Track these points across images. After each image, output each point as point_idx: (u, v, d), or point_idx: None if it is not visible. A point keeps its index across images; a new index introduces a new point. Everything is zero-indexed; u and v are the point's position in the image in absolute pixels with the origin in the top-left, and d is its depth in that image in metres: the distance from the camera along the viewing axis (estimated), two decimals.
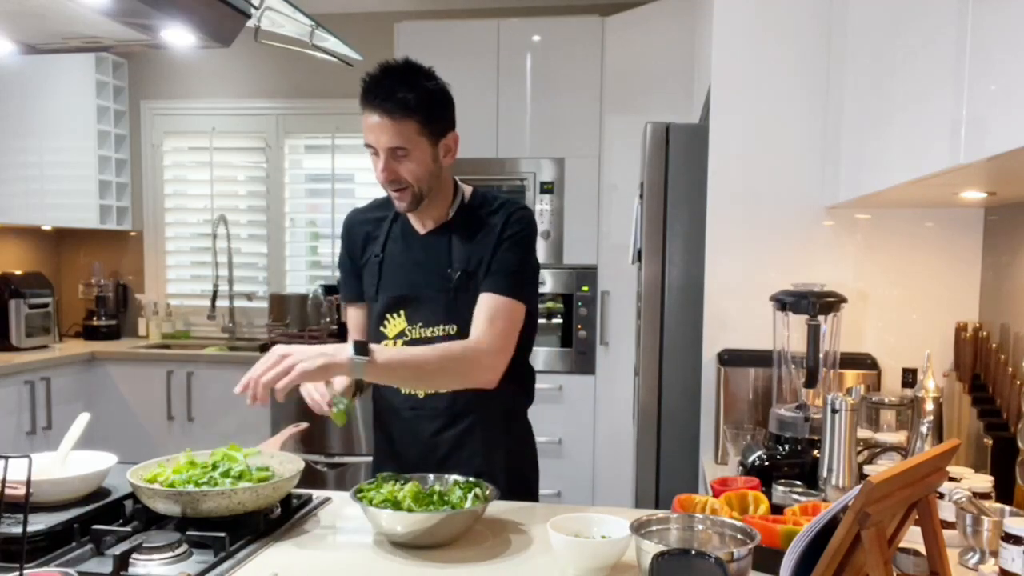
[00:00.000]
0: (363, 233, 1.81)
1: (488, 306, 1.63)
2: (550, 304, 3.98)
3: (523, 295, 1.67)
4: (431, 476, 1.54)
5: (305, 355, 1.43)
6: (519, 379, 1.76)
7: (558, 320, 3.97)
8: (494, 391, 1.64)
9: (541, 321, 3.94)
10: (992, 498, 1.41)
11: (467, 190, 1.77)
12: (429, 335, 1.69)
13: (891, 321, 2.17)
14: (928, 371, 1.62)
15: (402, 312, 1.72)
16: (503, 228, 1.68)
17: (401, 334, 1.72)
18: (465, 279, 1.68)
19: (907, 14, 1.46)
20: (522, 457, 1.83)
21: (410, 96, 1.58)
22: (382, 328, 1.74)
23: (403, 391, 1.73)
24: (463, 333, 1.64)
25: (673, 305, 2.53)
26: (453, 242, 1.71)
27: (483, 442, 1.73)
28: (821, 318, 1.76)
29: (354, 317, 1.85)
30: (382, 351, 1.51)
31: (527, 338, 1.73)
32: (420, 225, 1.75)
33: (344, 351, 1.46)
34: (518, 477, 1.78)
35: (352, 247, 1.82)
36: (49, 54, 1.87)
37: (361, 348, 1.46)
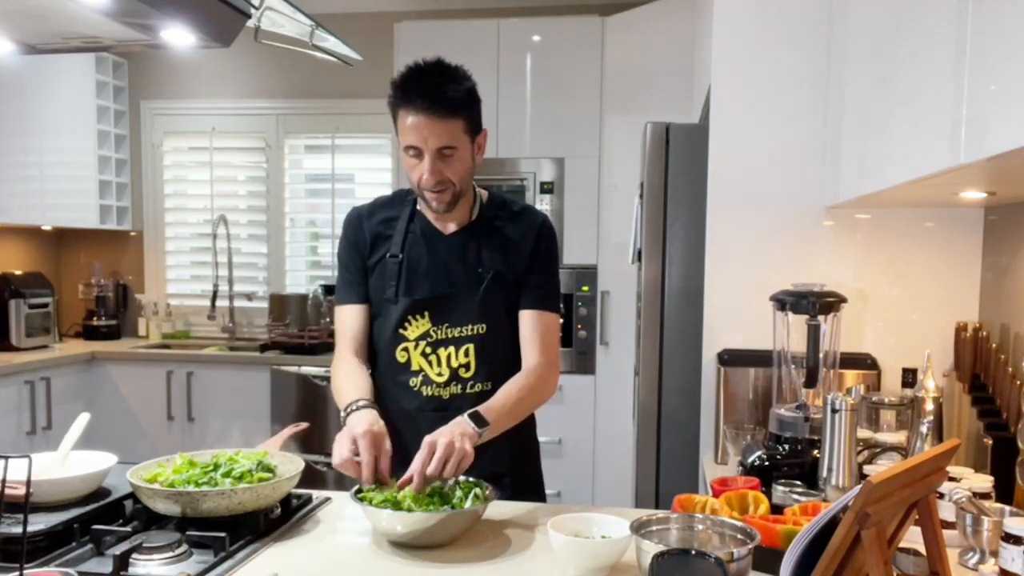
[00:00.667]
0: (374, 232, 1.75)
1: (537, 325, 1.71)
2: None
3: (559, 307, 1.76)
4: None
5: (459, 441, 1.44)
6: None
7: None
8: None
9: None
10: (992, 498, 1.41)
11: (483, 192, 1.78)
12: (457, 335, 1.69)
13: (891, 321, 2.17)
14: (928, 371, 1.62)
15: (426, 313, 1.69)
16: (537, 240, 1.73)
17: (425, 335, 1.69)
18: (495, 280, 1.69)
19: (907, 14, 1.46)
20: (536, 454, 1.85)
21: (457, 94, 1.59)
22: (402, 331, 1.70)
23: (425, 392, 1.69)
24: (491, 331, 1.68)
25: (673, 305, 2.53)
26: (482, 243, 1.71)
27: (503, 442, 1.66)
28: (821, 318, 1.76)
29: (351, 319, 1.75)
30: (488, 413, 1.54)
31: None
32: (443, 226, 1.73)
33: (468, 426, 1.49)
34: (532, 472, 1.83)
35: (360, 245, 1.75)
36: (49, 54, 1.87)
37: (479, 419, 1.52)
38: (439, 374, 1.69)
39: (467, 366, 1.69)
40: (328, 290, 4.33)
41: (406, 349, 1.70)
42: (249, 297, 4.68)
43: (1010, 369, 1.71)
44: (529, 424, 1.81)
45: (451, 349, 1.68)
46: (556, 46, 3.94)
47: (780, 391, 1.86)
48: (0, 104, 3.84)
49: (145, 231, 4.79)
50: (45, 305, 4.16)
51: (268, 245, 4.71)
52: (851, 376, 2.06)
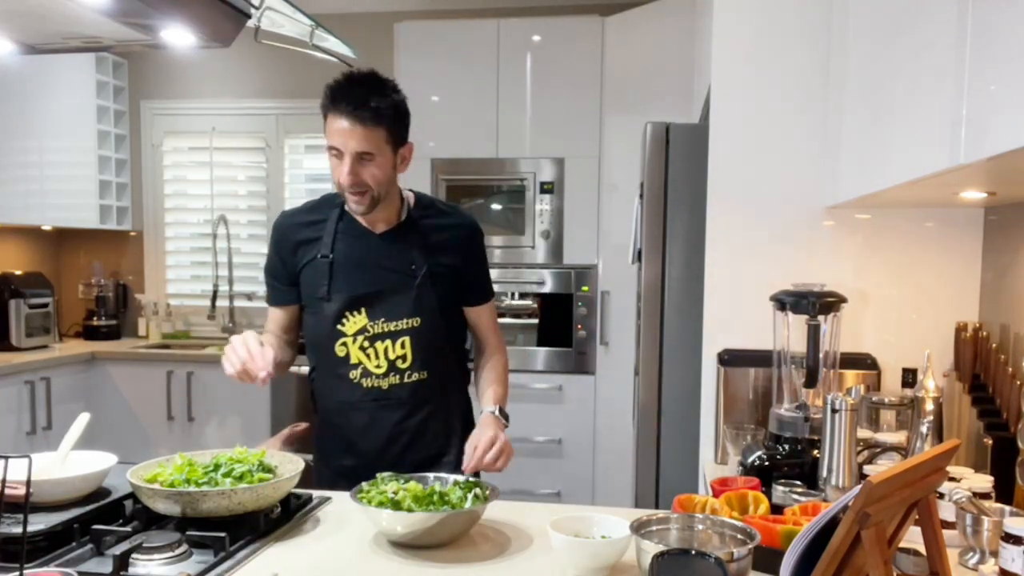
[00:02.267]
0: (299, 236, 1.84)
1: (489, 315, 1.95)
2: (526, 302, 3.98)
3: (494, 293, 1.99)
4: (431, 476, 1.55)
5: (501, 435, 1.72)
6: (464, 362, 1.97)
7: (534, 319, 3.97)
8: (450, 375, 1.88)
9: (537, 320, 3.96)
10: (992, 498, 1.41)
11: (410, 195, 1.88)
12: (392, 328, 1.79)
13: (891, 321, 2.17)
14: (928, 371, 1.62)
15: (363, 309, 1.78)
16: (471, 240, 1.89)
17: (363, 330, 1.78)
18: (427, 276, 1.80)
19: (907, 14, 1.46)
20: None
21: (382, 105, 1.69)
22: (339, 326, 1.79)
23: (365, 384, 1.79)
24: (425, 323, 1.80)
25: (673, 305, 2.53)
26: (412, 242, 1.81)
27: (443, 425, 1.86)
28: (821, 318, 1.76)
29: (277, 318, 1.90)
30: (500, 402, 1.86)
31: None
32: (373, 226, 1.82)
33: (500, 421, 1.80)
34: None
35: (284, 250, 1.86)
36: (49, 54, 1.87)
37: (504, 414, 1.83)
38: (377, 366, 1.79)
39: (404, 357, 1.79)
40: None
41: (344, 344, 1.79)
42: (249, 297, 4.68)
43: (1010, 369, 1.71)
44: (469, 402, 1.97)
45: (388, 342, 1.78)
46: (556, 46, 3.94)
47: (780, 391, 1.86)
48: (0, 104, 3.83)
49: (145, 231, 4.79)
50: (45, 305, 4.16)
51: (268, 245, 4.70)
52: (851, 376, 2.05)
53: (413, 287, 1.79)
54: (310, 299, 1.83)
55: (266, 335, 1.85)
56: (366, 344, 1.78)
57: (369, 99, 1.67)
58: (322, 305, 1.80)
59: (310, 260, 1.82)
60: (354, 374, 1.79)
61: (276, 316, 1.91)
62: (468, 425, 1.91)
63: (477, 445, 1.67)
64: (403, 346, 1.79)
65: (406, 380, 1.80)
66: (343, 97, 1.67)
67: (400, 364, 1.79)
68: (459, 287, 1.87)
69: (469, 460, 1.66)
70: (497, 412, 1.81)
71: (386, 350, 1.78)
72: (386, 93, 1.71)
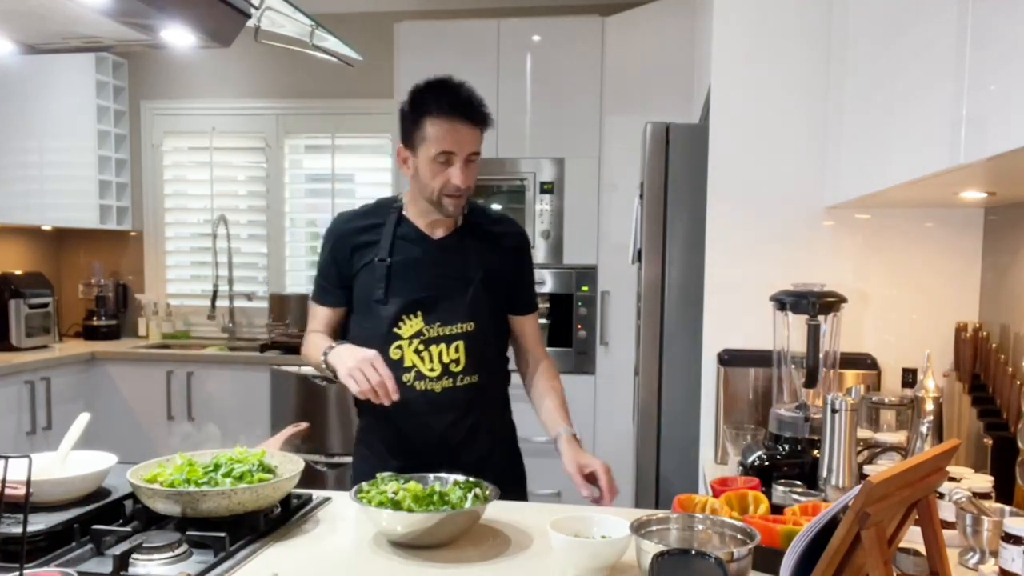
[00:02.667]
0: (356, 240, 1.85)
1: (534, 326, 1.98)
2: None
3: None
4: (431, 476, 1.55)
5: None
6: (506, 365, 1.97)
7: (545, 319, 3.97)
8: (497, 378, 1.90)
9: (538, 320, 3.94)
10: (992, 498, 1.41)
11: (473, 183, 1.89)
12: (447, 332, 1.80)
13: (891, 321, 2.17)
14: (928, 371, 1.62)
15: (419, 313, 1.79)
16: (521, 252, 1.94)
17: (418, 333, 1.80)
18: (484, 282, 1.82)
19: (907, 14, 1.46)
20: (515, 439, 2.00)
21: (483, 106, 1.77)
22: (396, 329, 1.79)
23: (419, 387, 1.79)
24: (479, 328, 1.81)
25: (673, 305, 2.53)
26: (469, 248, 1.84)
27: (491, 427, 1.88)
28: (821, 318, 1.76)
29: (323, 316, 1.90)
30: (570, 423, 1.84)
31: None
32: (431, 232, 1.84)
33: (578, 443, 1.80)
34: (516, 458, 1.97)
35: (340, 254, 1.87)
36: (49, 54, 1.87)
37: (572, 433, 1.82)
38: (431, 369, 1.79)
39: (457, 361, 1.80)
40: None
41: (400, 347, 1.79)
42: (249, 297, 4.68)
43: (1010, 369, 1.71)
44: (510, 408, 1.98)
45: (442, 346, 1.79)
46: (556, 46, 3.94)
47: (780, 391, 1.86)
48: (0, 104, 3.84)
49: (145, 231, 4.79)
50: (45, 305, 4.16)
51: (268, 245, 4.71)
52: (851, 376, 2.05)
53: (468, 292, 1.81)
54: (364, 302, 1.84)
55: (315, 335, 1.88)
56: (421, 347, 1.79)
57: (472, 100, 1.74)
58: (378, 308, 1.81)
59: (367, 263, 1.83)
60: (407, 377, 1.78)
61: (323, 315, 1.91)
62: (508, 426, 1.96)
63: (597, 473, 1.68)
64: (457, 350, 1.80)
65: (458, 384, 1.80)
66: (458, 102, 1.73)
67: (453, 368, 1.80)
68: (508, 295, 1.90)
69: (603, 491, 1.69)
70: (574, 435, 1.80)
71: (440, 354, 1.79)
72: (477, 95, 1.78)
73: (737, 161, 2.23)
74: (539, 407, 1.91)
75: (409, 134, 1.77)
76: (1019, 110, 0.95)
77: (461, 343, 1.79)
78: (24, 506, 1.13)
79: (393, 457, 1.82)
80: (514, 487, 1.87)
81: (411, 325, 1.79)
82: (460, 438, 1.82)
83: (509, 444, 1.96)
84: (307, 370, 3.98)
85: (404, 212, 1.85)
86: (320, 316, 1.91)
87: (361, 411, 1.92)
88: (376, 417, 1.86)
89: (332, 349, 1.72)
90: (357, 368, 1.63)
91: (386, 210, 1.87)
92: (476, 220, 1.88)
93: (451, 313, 1.79)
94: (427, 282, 1.80)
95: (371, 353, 1.66)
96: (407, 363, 1.79)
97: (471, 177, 1.76)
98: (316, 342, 1.83)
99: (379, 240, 1.83)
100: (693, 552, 1.10)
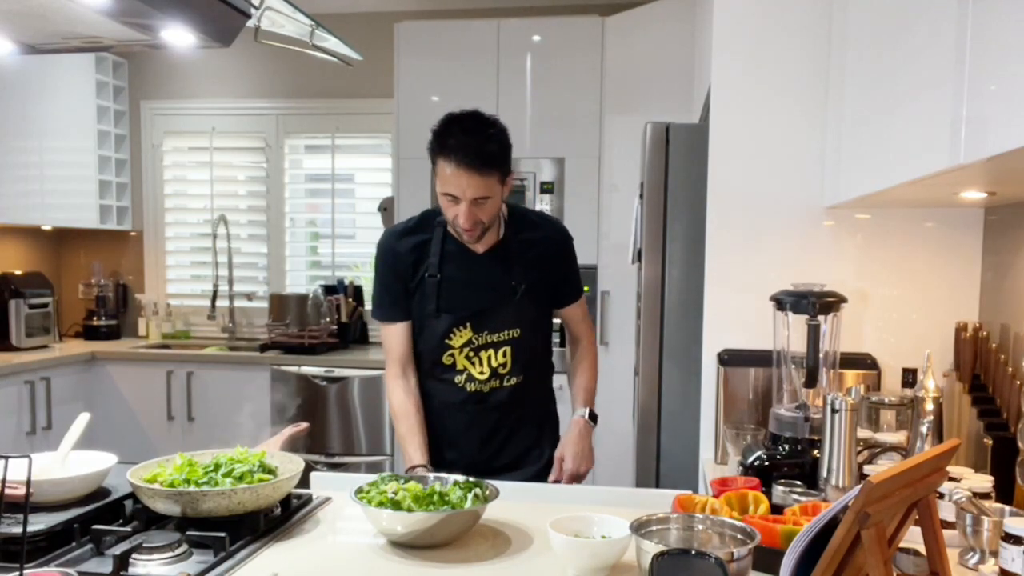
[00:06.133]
0: (411, 258, 1.94)
1: (581, 312, 2.11)
2: None
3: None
4: (431, 476, 1.55)
5: (587, 448, 1.99)
6: (550, 358, 2.11)
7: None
8: (541, 376, 2.05)
9: None
10: (992, 498, 1.41)
11: (504, 209, 1.95)
12: (495, 340, 1.93)
13: (891, 321, 2.17)
14: (928, 371, 1.62)
15: (468, 324, 1.92)
16: (565, 250, 2.03)
17: (468, 343, 1.93)
18: (527, 291, 1.93)
19: (907, 14, 1.46)
20: (557, 429, 2.11)
21: (495, 150, 1.78)
22: (448, 340, 1.93)
23: (469, 388, 1.94)
24: (524, 333, 1.94)
25: (673, 305, 2.53)
26: (512, 259, 1.94)
27: (535, 422, 2.03)
28: (821, 318, 1.76)
29: (398, 338, 1.98)
30: (588, 403, 2.03)
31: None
32: (475, 247, 1.92)
33: (590, 426, 2.01)
34: (554, 439, 2.08)
35: (400, 270, 1.94)
36: (49, 54, 1.87)
37: (594, 417, 2.03)
38: (481, 372, 1.94)
39: (504, 364, 1.94)
40: (328, 290, 4.34)
41: (452, 354, 1.94)
42: (249, 297, 4.69)
43: (1010, 369, 1.71)
44: (555, 413, 2.12)
45: (491, 352, 1.93)
46: (556, 46, 3.94)
47: (780, 391, 1.86)
48: (0, 104, 3.84)
49: (145, 231, 4.79)
50: (45, 305, 4.16)
51: (268, 245, 4.71)
52: (851, 376, 2.05)
53: (513, 303, 1.93)
54: (419, 315, 1.96)
55: (398, 380, 1.97)
56: (471, 354, 1.93)
57: (483, 146, 1.75)
58: (431, 321, 1.93)
59: (420, 279, 1.94)
60: (459, 379, 1.94)
61: (397, 338, 1.98)
62: (551, 416, 2.10)
63: (564, 457, 1.94)
64: (504, 355, 1.93)
65: (505, 384, 1.95)
66: (458, 147, 1.74)
67: (501, 371, 1.94)
68: (553, 293, 2.02)
69: (557, 473, 1.93)
70: (587, 415, 2.00)
71: (489, 358, 1.93)
72: (494, 136, 1.79)
73: (737, 161, 2.23)
74: (571, 387, 2.10)
75: (432, 161, 1.82)
76: (1019, 110, 0.95)
77: (508, 348, 1.93)
78: (24, 506, 1.13)
79: (447, 449, 1.97)
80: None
81: (461, 336, 1.92)
82: (505, 433, 1.98)
83: (553, 434, 2.08)
84: (307, 370, 3.99)
85: (449, 229, 1.91)
86: (394, 343, 1.98)
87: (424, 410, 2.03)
88: (434, 417, 1.99)
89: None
90: None
91: (431, 225, 1.95)
92: (517, 228, 1.95)
93: (498, 323, 1.92)
94: (474, 297, 1.91)
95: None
96: (459, 367, 1.94)
97: (485, 214, 1.81)
98: (401, 428, 1.95)
99: (428, 256, 1.92)
100: (693, 552, 1.10)
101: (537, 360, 2.02)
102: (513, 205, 2.00)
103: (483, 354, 1.93)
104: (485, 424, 1.96)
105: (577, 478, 1.96)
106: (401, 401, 1.97)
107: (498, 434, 1.98)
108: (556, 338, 2.16)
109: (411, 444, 1.92)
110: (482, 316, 1.91)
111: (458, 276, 1.92)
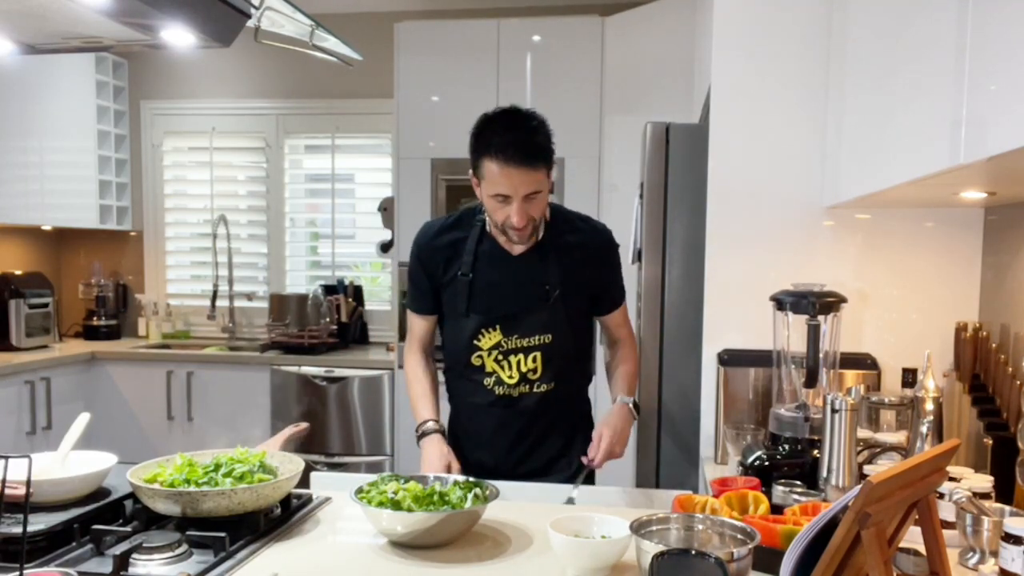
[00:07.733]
0: (444, 255, 1.91)
1: (622, 316, 2.03)
2: None
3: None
4: (431, 476, 1.55)
5: (627, 432, 1.89)
6: (587, 367, 2.05)
7: None
8: (574, 384, 1.99)
9: None
10: (992, 498, 1.41)
11: (546, 211, 1.89)
12: (526, 344, 1.87)
13: (891, 321, 2.17)
14: (928, 371, 1.62)
15: (498, 327, 1.87)
16: (608, 255, 1.96)
17: (497, 345, 1.88)
18: (561, 296, 1.87)
19: (907, 14, 1.46)
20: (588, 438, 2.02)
21: (542, 141, 1.74)
22: (476, 341, 1.89)
23: (498, 391, 1.89)
24: (556, 339, 1.88)
25: (673, 305, 2.53)
26: (550, 261, 1.87)
27: (565, 430, 1.97)
28: (821, 318, 1.76)
29: (420, 325, 2.00)
30: (631, 393, 1.96)
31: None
32: (511, 247, 1.87)
33: (632, 413, 1.92)
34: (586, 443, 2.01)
35: (431, 268, 1.92)
36: (49, 54, 1.87)
37: (637, 407, 1.95)
38: (510, 376, 1.89)
39: (535, 370, 1.88)
40: (328, 290, 4.35)
41: (480, 356, 1.89)
42: (249, 297, 4.69)
43: (1010, 369, 1.71)
44: (590, 417, 2.07)
45: (520, 356, 1.88)
46: (556, 46, 3.94)
47: (780, 391, 1.86)
48: (0, 104, 3.84)
49: (145, 231, 4.79)
50: (45, 305, 4.16)
51: (268, 245, 4.71)
52: (851, 376, 2.05)
53: (546, 307, 1.87)
54: (450, 313, 1.93)
55: (416, 355, 2.00)
56: (500, 357, 1.88)
57: (531, 140, 1.72)
58: (461, 320, 1.90)
59: (452, 277, 1.90)
60: (488, 381, 1.89)
61: (420, 326, 2.00)
62: (588, 424, 2.04)
63: (603, 434, 1.81)
64: (534, 360, 1.88)
65: (535, 390, 1.89)
66: (505, 144, 1.69)
67: (531, 376, 1.89)
68: (591, 300, 1.96)
69: (594, 449, 1.81)
70: (631, 404, 1.93)
71: (519, 363, 1.88)
72: (538, 128, 1.75)
73: (737, 161, 2.23)
74: (609, 379, 2.04)
75: (473, 165, 1.78)
76: (1019, 110, 0.95)
77: (538, 354, 1.87)
78: (24, 506, 1.14)
79: (477, 449, 1.95)
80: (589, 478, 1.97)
81: (490, 337, 1.87)
82: (533, 439, 1.93)
83: (585, 444, 1.95)
84: (307, 370, 3.99)
85: (487, 228, 1.88)
86: (417, 328, 2.00)
87: (452, 409, 2.03)
88: (457, 412, 1.99)
89: (425, 436, 1.86)
90: (437, 468, 1.77)
91: (469, 223, 1.91)
92: (557, 229, 1.90)
93: (529, 327, 1.86)
94: (506, 299, 1.87)
95: (448, 459, 1.80)
96: (488, 369, 1.89)
97: (536, 209, 1.77)
98: (413, 389, 1.96)
99: (462, 255, 1.89)
100: (693, 552, 1.10)
101: (571, 367, 1.94)
102: (556, 206, 1.94)
103: (512, 358, 1.87)
104: (512, 427, 1.92)
105: (611, 456, 1.85)
106: (415, 366, 1.98)
107: (525, 440, 1.93)
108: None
109: (423, 404, 1.92)
110: (512, 319, 1.86)
111: (491, 277, 1.87)
